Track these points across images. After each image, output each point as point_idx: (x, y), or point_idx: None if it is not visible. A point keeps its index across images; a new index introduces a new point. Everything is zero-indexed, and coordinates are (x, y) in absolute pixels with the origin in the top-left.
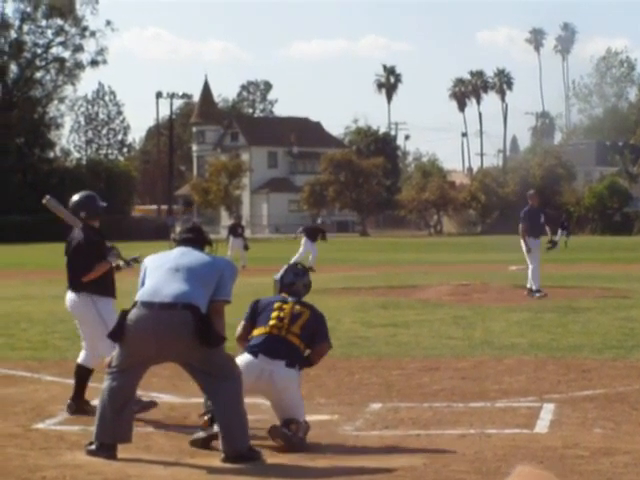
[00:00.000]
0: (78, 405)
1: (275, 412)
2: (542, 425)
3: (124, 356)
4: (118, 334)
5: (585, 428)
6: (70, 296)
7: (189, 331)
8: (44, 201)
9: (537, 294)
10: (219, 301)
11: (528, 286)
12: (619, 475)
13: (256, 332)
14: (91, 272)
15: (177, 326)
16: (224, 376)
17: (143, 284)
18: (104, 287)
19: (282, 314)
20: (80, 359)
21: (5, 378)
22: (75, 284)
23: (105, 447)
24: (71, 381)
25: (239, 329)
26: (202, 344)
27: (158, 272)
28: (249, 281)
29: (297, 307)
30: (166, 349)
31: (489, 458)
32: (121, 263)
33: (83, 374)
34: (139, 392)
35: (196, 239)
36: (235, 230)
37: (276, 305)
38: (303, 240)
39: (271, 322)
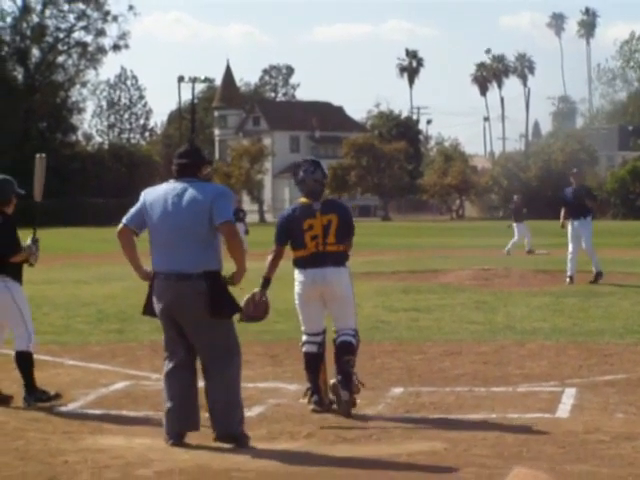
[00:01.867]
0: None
1: (333, 320)
2: (564, 410)
3: (165, 332)
4: (150, 309)
5: (607, 413)
6: None
7: (203, 300)
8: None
9: (568, 279)
10: (222, 224)
11: (595, 270)
12: None
13: (299, 254)
14: (16, 256)
15: (193, 296)
16: (226, 355)
17: (135, 216)
18: (18, 273)
19: (314, 233)
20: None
21: None
22: None
23: (175, 436)
24: (94, 365)
25: (270, 257)
26: (214, 314)
27: (163, 232)
28: (256, 266)
29: (324, 218)
30: (186, 318)
31: (510, 442)
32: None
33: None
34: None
35: (191, 164)
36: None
37: (305, 226)
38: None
39: (309, 245)
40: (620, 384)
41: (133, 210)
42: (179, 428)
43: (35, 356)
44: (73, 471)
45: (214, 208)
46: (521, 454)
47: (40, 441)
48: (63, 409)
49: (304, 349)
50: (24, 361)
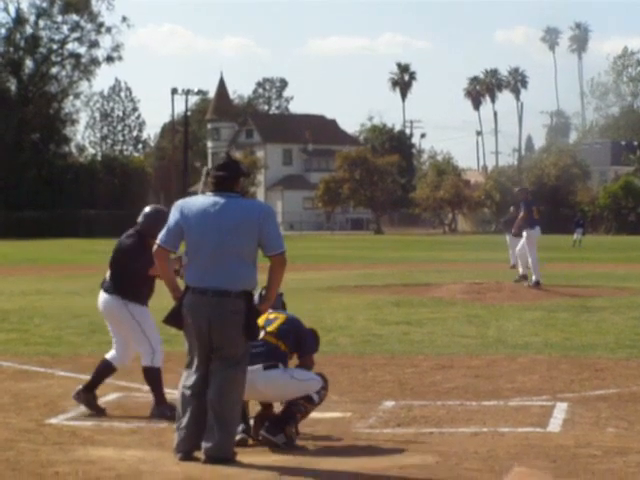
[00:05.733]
0: (86, 396)
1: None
2: (555, 424)
3: (189, 346)
4: (175, 320)
5: (598, 427)
6: (103, 297)
7: (240, 320)
8: None
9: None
10: (276, 255)
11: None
12: (632, 474)
13: None
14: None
15: (230, 314)
16: (235, 362)
17: (170, 235)
18: (136, 294)
19: None
20: (108, 355)
21: (19, 373)
22: (109, 286)
23: (185, 451)
24: (85, 376)
25: None
26: (249, 335)
27: (204, 248)
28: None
29: (272, 315)
30: (217, 334)
31: (502, 456)
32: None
33: (105, 370)
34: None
35: (230, 177)
36: None
37: None
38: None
39: None
40: (612, 399)
41: (167, 228)
42: (191, 446)
43: (27, 367)
44: None
45: (265, 233)
46: (512, 468)
47: (31, 452)
48: (54, 420)
49: None
50: (149, 376)
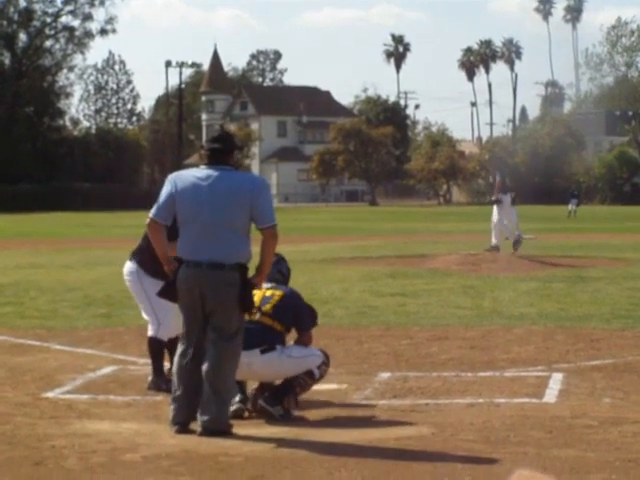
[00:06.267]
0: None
1: None
2: (551, 394)
3: (184, 320)
4: (170, 293)
5: (594, 398)
6: (125, 264)
7: (234, 292)
8: None
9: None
10: (267, 228)
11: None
12: (627, 444)
13: None
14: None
15: (225, 286)
16: (230, 334)
17: (163, 208)
18: (154, 267)
19: None
20: (149, 331)
21: (14, 347)
22: (132, 255)
23: (180, 424)
24: (81, 350)
25: None
26: (244, 308)
27: (197, 221)
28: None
29: (268, 292)
30: (211, 307)
31: (497, 427)
32: None
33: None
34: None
35: (224, 150)
36: None
37: None
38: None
39: None
40: (607, 369)
41: (161, 201)
42: (187, 418)
43: (22, 341)
44: (60, 456)
45: (257, 206)
46: (508, 439)
47: (27, 426)
48: (50, 394)
49: None
50: (151, 347)
